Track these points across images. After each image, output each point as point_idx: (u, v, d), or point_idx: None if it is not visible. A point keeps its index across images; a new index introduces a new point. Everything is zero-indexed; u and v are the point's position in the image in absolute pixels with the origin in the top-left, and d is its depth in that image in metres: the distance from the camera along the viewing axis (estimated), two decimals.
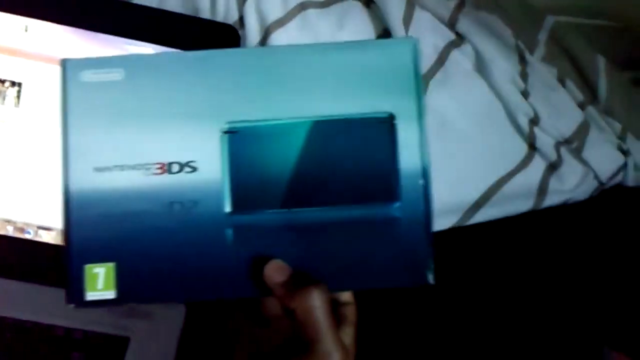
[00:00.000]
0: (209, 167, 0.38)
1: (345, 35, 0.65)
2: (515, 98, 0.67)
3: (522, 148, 0.69)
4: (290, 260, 0.38)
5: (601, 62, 0.73)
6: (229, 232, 0.38)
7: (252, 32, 0.63)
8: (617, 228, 0.72)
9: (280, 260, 0.38)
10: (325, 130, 0.39)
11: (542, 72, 0.70)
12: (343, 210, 0.39)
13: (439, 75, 0.67)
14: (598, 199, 0.73)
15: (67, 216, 0.38)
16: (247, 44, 0.63)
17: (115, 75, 0.39)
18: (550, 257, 0.69)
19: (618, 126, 0.71)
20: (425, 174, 0.39)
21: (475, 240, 0.56)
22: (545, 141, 0.68)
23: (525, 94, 0.68)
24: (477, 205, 0.68)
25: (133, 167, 0.38)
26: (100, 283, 0.37)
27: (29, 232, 0.55)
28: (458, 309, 0.62)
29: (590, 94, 0.72)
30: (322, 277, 0.38)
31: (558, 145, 0.69)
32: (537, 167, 0.69)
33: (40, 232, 0.55)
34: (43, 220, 0.55)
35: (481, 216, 0.68)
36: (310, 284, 0.37)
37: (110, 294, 0.38)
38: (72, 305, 0.38)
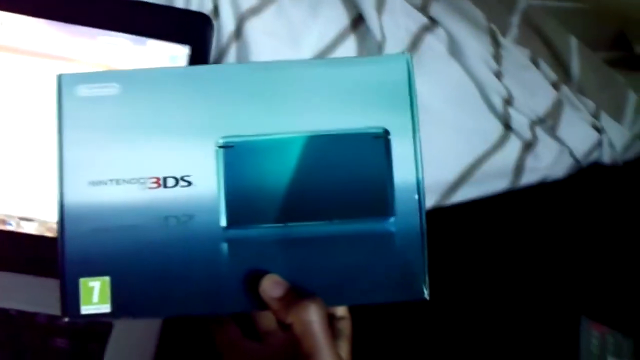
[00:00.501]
0: (204, 182, 0.38)
1: (320, 22, 0.66)
2: (489, 79, 0.68)
3: (498, 128, 0.70)
4: (286, 274, 0.38)
5: (574, 42, 0.75)
6: (224, 246, 0.38)
7: (227, 20, 0.63)
8: (594, 205, 0.73)
9: (276, 274, 0.38)
10: (320, 145, 0.39)
11: (515, 54, 0.71)
12: (338, 225, 0.39)
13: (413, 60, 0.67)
14: (576, 177, 0.74)
15: (61, 230, 0.38)
16: (221, 33, 0.64)
17: (111, 90, 0.39)
18: (530, 233, 0.70)
19: (592, 105, 0.72)
20: (419, 188, 0.39)
21: (455, 219, 0.57)
22: (520, 121, 0.69)
23: (498, 75, 0.69)
24: (456, 185, 0.69)
25: (128, 181, 0.38)
26: (95, 297, 0.38)
27: (10, 224, 0.56)
28: (439, 288, 0.63)
29: (563, 74, 0.73)
30: (317, 291, 0.38)
31: (533, 124, 0.70)
32: (513, 146, 0.70)
33: (22, 223, 0.56)
34: (24, 212, 0.56)
35: (460, 196, 0.69)
36: (307, 299, 0.37)
37: (105, 308, 0.38)
38: (66, 319, 0.38)
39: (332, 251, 0.39)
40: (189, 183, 0.38)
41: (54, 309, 0.52)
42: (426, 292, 0.39)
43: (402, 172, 0.39)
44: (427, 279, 0.39)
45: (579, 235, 0.70)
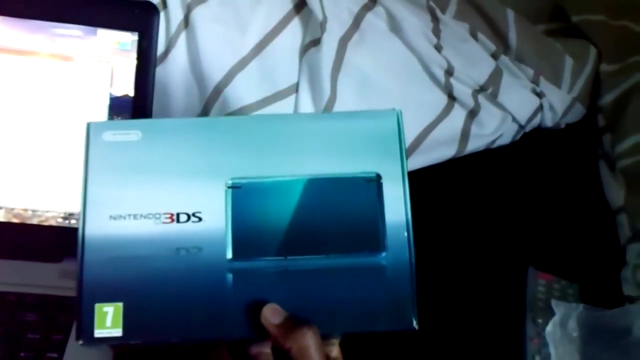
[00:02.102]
0: (213, 218, 0.42)
1: (264, 7, 0.69)
2: (429, 52, 0.72)
3: (442, 98, 0.73)
4: (285, 303, 0.41)
5: (511, 15, 0.78)
6: (229, 276, 0.41)
7: (175, 10, 0.67)
8: (538, 167, 0.76)
9: (275, 304, 0.40)
10: (319, 187, 0.42)
11: (454, 28, 0.75)
12: (334, 259, 0.42)
13: (355, 38, 0.71)
14: (520, 142, 0.78)
15: (81, 258, 0.41)
16: (171, 23, 0.67)
17: (133, 136, 0.43)
18: (478, 196, 0.73)
19: (530, 71, 0.76)
20: (408, 227, 0.42)
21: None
22: (462, 90, 0.73)
23: (438, 48, 0.72)
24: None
25: (145, 216, 0.41)
26: (108, 321, 0.40)
27: None
28: None
29: (502, 45, 0.77)
30: (313, 320, 0.40)
31: (475, 92, 0.73)
32: (458, 114, 0.73)
33: None
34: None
35: (409, 165, 0.72)
36: (304, 325, 0.39)
37: (117, 332, 0.40)
38: (80, 342, 0.40)
39: (328, 282, 0.41)
40: (200, 219, 0.42)
41: (22, 287, 0.56)
42: (415, 323, 0.41)
43: (393, 212, 0.42)
44: (416, 310, 0.41)
45: (525, 194, 0.74)
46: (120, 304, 0.40)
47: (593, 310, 0.58)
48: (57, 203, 0.59)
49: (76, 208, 0.58)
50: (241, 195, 0.42)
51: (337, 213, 0.42)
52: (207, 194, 0.42)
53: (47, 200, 0.59)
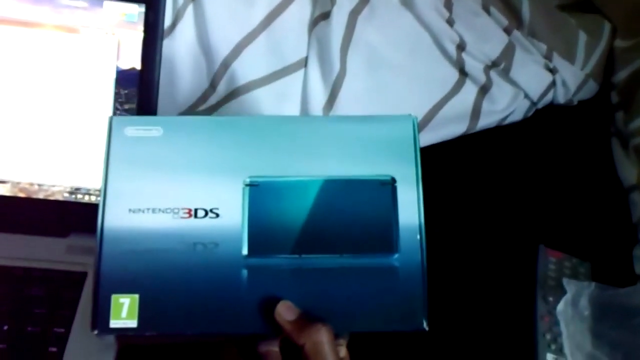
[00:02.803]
0: (230, 214, 0.42)
1: None
2: (441, 26, 0.70)
3: (453, 74, 0.72)
4: (298, 300, 0.41)
5: None
6: (245, 272, 0.42)
7: None
8: (550, 144, 0.75)
9: (289, 301, 0.41)
10: (334, 188, 0.43)
11: (466, 2, 0.73)
12: (347, 259, 0.42)
13: (365, 12, 0.70)
14: (532, 118, 0.77)
15: (99, 249, 0.42)
16: None
17: (154, 132, 0.44)
18: (489, 173, 0.72)
19: (543, 47, 0.74)
20: (421, 230, 0.43)
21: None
22: (473, 65, 0.71)
23: (450, 22, 0.71)
24: None
25: (163, 211, 0.42)
26: (124, 312, 0.41)
27: None
28: None
29: (514, 20, 0.76)
30: (325, 317, 0.41)
31: (487, 68, 0.72)
32: (469, 90, 0.72)
33: None
34: None
35: (419, 142, 0.72)
36: (318, 322, 0.40)
37: (132, 323, 0.41)
38: (95, 332, 0.41)
39: (341, 282, 0.42)
40: (217, 215, 0.42)
41: (29, 262, 0.55)
42: (425, 324, 0.42)
43: (406, 215, 0.43)
44: (426, 311, 0.42)
45: (536, 172, 0.73)
46: (137, 296, 0.41)
47: (605, 288, 0.57)
48: (63, 177, 0.58)
49: (82, 182, 0.58)
50: (258, 193, 0.43)
51: (351, 214, 0.43)
52: (225, 191, 0.43)
53: (53, 174, 0.58)
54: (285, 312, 0.40)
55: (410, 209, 0.43)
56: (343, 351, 0.44)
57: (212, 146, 0.44)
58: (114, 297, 0.41)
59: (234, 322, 0.41)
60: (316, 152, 0.44)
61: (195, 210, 0.43)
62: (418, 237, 0.43)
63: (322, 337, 0.39)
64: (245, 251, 0.42)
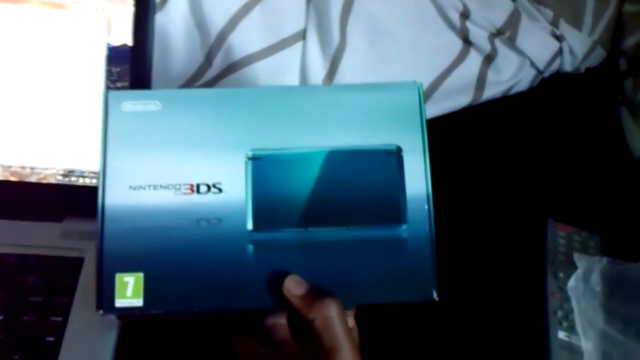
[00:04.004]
0: (233, 189, 0.41)
1: None
2: None
3: (457, 43, 0.70)
4: (305, 274, 0.40)
5: None
6: (250, 247, 0.41)
7: None
8: (557, 113, 0.73)
9: (297, 275, 0.40)
10: (339, 159, 0.42)
11: None
12: (355, 231, 0.41)
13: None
14: (539, 88, 0.75)
15: (101, 228, 0.41)
16: None
17: (152, 106, 0.43)
18: (496, 145, 0.70)
19: (549, 13, 0.72)
20: (429, 200, 0.42)
21: None
22: (478, 34, 0.69)
23: None
24: None
25: (165, 187, 0.41)
26: (129, 291, 0.40)
27: None
28: None
29: None
30: (334, 290, 0.40)
31: (492, 36, 0.70)
32: (474, 60, 0.70)
33: None
34: None
35: None
36: (328, 296, 0.39)
37: (138, 302, 0.40)
38: (101, 312, 0.40)
39: (349, 254, 0.41)
40: (220, 190, 0.41)
41: (23, 248, 0.54)
42: (435, 294, 0.41)
43: (413, 185, 0.42)
44: (436, 281, 0.41)
45: (543, 143, 0.71)
46: (141, 274, 0.40)
47: (616, 263, 0.56)
48: (55, 160, 0.56)
49: (76, 164, 0.56)
50: (262, 167, 0.42)
51: (357, 185, 0.42)
52: (227, 165, 0.42)
53: (45, 156, 0.56)
54: (294, 286, 0.40)
55: (417, 179, 0.43)
56: (351, 321, 0.43)
57: (213, 120, 0.43)
58: (118, 276, 0.40)
59: (241, 298, 0.40)
60: (319, 123, 0.43)
61: (198, 185, 0.42)
62: (426, 207, 0.42)
63: (332, 311, 0.38)
64: (250, 226, 0.41)
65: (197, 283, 0.40)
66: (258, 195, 0.42)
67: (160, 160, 0.42)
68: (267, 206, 0.42)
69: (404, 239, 0.42)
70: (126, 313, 0.40)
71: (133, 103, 0.43)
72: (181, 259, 0.40)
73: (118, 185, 0.42)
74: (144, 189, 0.42)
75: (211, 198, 0.41)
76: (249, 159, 0.42)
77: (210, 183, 0.42)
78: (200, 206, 0.41)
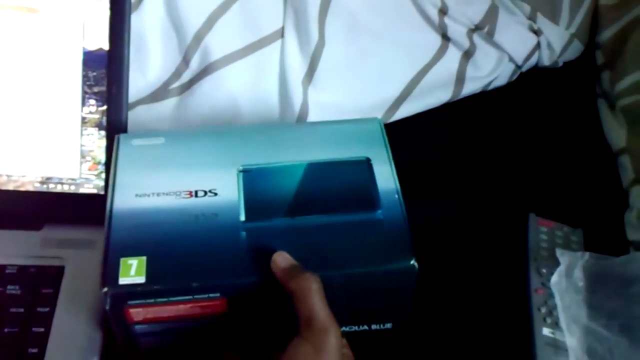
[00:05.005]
0: (227, 193, 0.48)
1: None
2: None
3: (436, 39, 0.70)
4: (293, 251, 0.44)
5: None
6: (243, 233, 0.46)
7: None
8: (536, 108, 0.74)
9: (284, 252, 0.44)
10: (318, 169, 0.50)
11: None
12: (336, 217, 0.47)
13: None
14: (517, 82, 0.75)
15: (108, 227, 0.46)
16: None
17: (157, 141, 0.51)
18: (475, 140, 0.70)
19: (527, 7, 0.72)
20: (398, 192, 0.48)
21: (400, 135, 0.57)
22: (456, 29, 0.69)
23: None
24: (399, 101, 0.69)
25: (167, 194, 0.47)
26: (132, 271, 0.43)
27: None
28: None
29: None
30: (320, 264, 0.44)
31: (470, 32, 0.70)
32: (453, 56, 0.70)
33: None
34: None
35: (404, 111, 0.70)
36: (308, 272, 0.42)
37: (140, 279, 0.43)
38: (105, 289, 0.43)
39: (332, 234, 0.46)
40: (215, 194, 0.48)
41: (1, 258, 0.53)
42: (414, 261, 0.45)
43: (384, 183, 0.49)
44: (413, 252, 0.45)
45: (522, 138, 0.71)
46: (144, 257, 0.44)
47: (599, 258, 0.56)
48: (32, 167, 0.55)
49: (53, 172, 0.55)
50: (251, 177, 0.49)
51: (335, 185, 0.49)
52: (221, 178, 0.48)
53: (22, 164, 0.55)
54: (281, 260, 0.43)
55: (386, 179, 0.49)
56: (347, 352, 0.47)
57: (208, 148, 0.50)
58: (122, 260, 0.44)
59: (234, 273, 0.44)
60: (299, 147, 0.51)
61: (196, 191, 0.48)
62: (396, 196, 0.48)
63: (310, 284, 0.41)
64: (242, 217, 0.46)
65: (195, 262, 0.44)
66: (249, 196, 0.48)
67: (163, 176, 0.48)
68: (257, 203, 0.47)
69: (380, 220, 0.47)
70: (129, 291, 0.43)
71: (141, 140, 0.51)
72: (181, 244, 0.45)
73: (125, 194, 0.47)
74: (149, 196, 0.47)
75: (208, 199, 0.47)
76: (240, 172, 0.49)
77: (207, 189, 0.48)
78: (198, 205, 0.47)
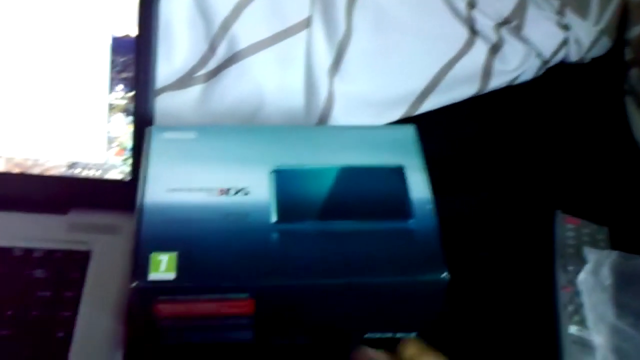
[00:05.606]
0: (259, 193, 0.47)
1: None
2: None
3: (463, 32, 0.69)
4: (324, 257, 0.44)
5: None
6: (274, 235, 0.46)
7: None
8: (563, 104, 0.73)
9: (364, 348, 0.44)
10: (351, 174, 0.49)
11: None
12: (368, 224, 0.46)
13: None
14: (543, 77, 0.74)
15: (139, 221, 0.45)
16: None
17: (189, 135, 0.51)
18: (501, 136, 0.70)
19: (556, 2, 0.71)
20: (431, 202, 0.48)
21: (425, 129, 0.57)
22: (484, 23, 0.68)
23: None
24: (424, 94, 0.69)
25: (198, 190, 0.47)
26: (163, 267, 0.43)
27: None
28: None
29: None
30: (350, 271, 0.44)
31: (498, 26, 0.69)
32: (480, 50, 0.69)
33: None
34: None
35: (429, 104, 0.69)
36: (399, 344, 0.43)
37: (170, 276, 0.43)
38: (134, 284, 0.43)
39: (363, 241, 0.45)
40: (247, 193, 0.47)
41: (28, 241, 0.53)
42: (446, 274, 0.44)
43: (417, 192, 0.48)
44: (445, 265, 0.45)
45: (548, 134, 0.70)
46: (175, 254, 0.44)
47: (627, 257, 0.56)
48: (59, 151, 0.55)
49: (80, 156, 0.55)
50: (284, 178, 0.48)
51: (368, 191, 0.48)
52: (253, 176, 0.48)
53: (48, 148, 0.55)
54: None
55: (419, 188, 0.49)
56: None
57: (240, 146, 0.50)
58: (152, 255, 0.43)
59: (264, 274, 0.44)
60: (331, 152, 0.50)
61: (227, 189, 0.47)
62: (429, 206, 0.48)
63: (412, 349, 0.43)
64: (274, 219, 0.46)
65: (226, 262, 0.44)
66: (281, 197, 0.47)
67: (195, 172, 0.48)
68: (289, 205, 0.47)
69: (412, 230, 0.46)
70: (158, 287, 0.43)
71: (173, 134, 0.51)
72: (212, 243, 0.44)
73: (157, 188, 0.47)
74: (181, 191, 0.47)
75: (239, 199, 0.47)
76: (273, 172, 0.49)
77: (238, 187, 0.47)
78: (230, 204, 0.46)
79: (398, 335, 0.50)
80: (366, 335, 0.50)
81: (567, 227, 0.60)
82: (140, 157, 0.49)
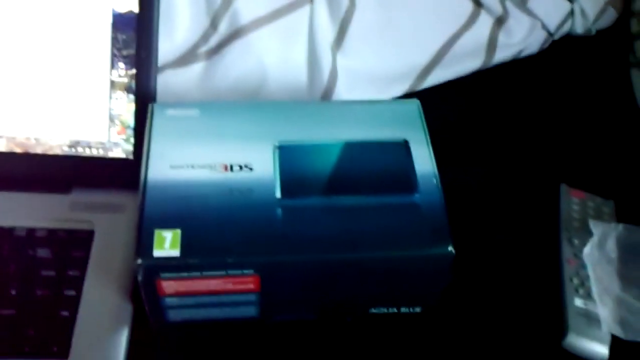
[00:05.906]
0: (263, 168, 0.47)
1: None
2: None
3: (468, 5, 0.68)
4: (330, 231, 0.44)
5: None
6: (279, 210, 0.45)
7: None
8: (568, 76, 0.72)
9: None
10: (355, 149, 0.49)
11: None
12: (373, 198, 0.46)
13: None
14: (549, 50, 0.73)
15: (142, 197, 0.45)
16: None
17: (192, 112, 0.50)
18: (506, 109, 0.69)
19: None
20: (436, 177, 0.48)
21: (430, 102, 0.56)
22: None
23: None
24: (428, 68, 0.68)
25: (202, 166, 0.47)
26: (167, 244, 0.43)
27: None
28: None
29: None
30: (356, 245, 0.44)
31: None
32: (484, 23, 0.69)
33: None
34: None
35: (433, 79, 0.69)
36: None
37: (175, 253, 0.43)
38: (139, 261, 0.42)
39: (369, 215, 0.45)
40: (251, 169, 0.47)
41: (31, 221, 0.53)
42: (451, 247, 0.44)
43: (422, 165, 0.48)
44: (451, 239, 0.44)
45: (554, 107, 0.70)
46: (179, 230, 0.43)
47: (632, 230, 0.55)
48: (61, 130, 0.55)
49: (82, 135, 0.55)
50: (288, 153, 0.48)
51: (372, 166, 0.48)
52: (257, 153, 0.48)
53: (50, 127, 0.55)
54: None
55: (424, 162, 0.48)
56: None
57: (243, 123, 0.49)
58: (157, 231, 0.43)
59: (269, 250, 0.43)
60: (335, 127, 0.50)
61: (231, 165, 0.47)
62: (435, 180, 0.47)
63: None
64: (278, 194, 0.46)
65: (230, 239, 0.43)
66: (285, 172, 0.47)
67: (198, 148, 0.48)
68: (293, 180, 0.46)
69: (417, 204, 0.46)
70: (162, 264, 0.43)
71: (175, 110, 0.50)
72: (215, 219, 0.44)
73: (160, 164, 0.47)
74: (183, 168, 0.47)
75: (243, 174, 0.46)
76: (277, 147, 0.48)
77: (242, 164, 0.47)
78: (233, 180, 0.46)
79: (402, 310, 0.50)
80: (371, 310, 0.50)
81: (573, 201, 0.59)
82: (143, 135, 0.49)
